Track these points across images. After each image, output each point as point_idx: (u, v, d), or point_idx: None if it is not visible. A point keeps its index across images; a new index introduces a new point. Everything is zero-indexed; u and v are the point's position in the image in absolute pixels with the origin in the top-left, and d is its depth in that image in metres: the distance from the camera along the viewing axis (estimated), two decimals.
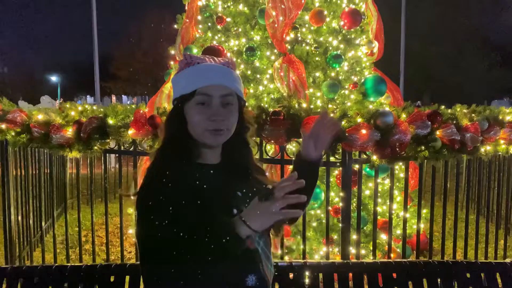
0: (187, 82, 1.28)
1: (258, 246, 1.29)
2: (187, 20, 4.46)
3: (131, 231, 4.42)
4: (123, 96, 37.61)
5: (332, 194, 3.63)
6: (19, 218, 3.75)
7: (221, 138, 1.29)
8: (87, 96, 39.73)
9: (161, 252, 1.12)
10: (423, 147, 2.64)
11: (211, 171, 1.31)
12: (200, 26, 4.39)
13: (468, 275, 2.07)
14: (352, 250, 2.95)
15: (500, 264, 2.05)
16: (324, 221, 3.13)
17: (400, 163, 3.18)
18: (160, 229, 1.13)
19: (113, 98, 35.56)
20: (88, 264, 1.89)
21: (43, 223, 4.25)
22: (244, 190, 1.32)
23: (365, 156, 2.71)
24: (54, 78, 37.82)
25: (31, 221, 3.98)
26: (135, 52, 30.19)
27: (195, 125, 1.26)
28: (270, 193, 1.06)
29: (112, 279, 1.91)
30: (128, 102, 35.52)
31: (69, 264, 1.88)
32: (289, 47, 3.95)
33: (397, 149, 2.50)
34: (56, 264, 1.88)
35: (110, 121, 2.94)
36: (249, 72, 4.03)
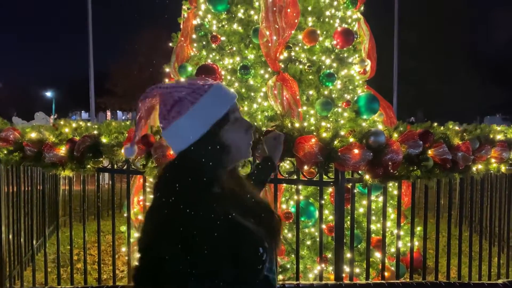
0: (218, 105, 1.21)
1: (269, 274, 1.24)
2: (182, 39, 4.51)
3: (124, 249, 4.38)
4: (118, 111, 37.59)
5: (326, 212, 3.63)
6: (10, 236, 3.71)
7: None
8: (82, 111, 39.71)
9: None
10: (415, 167, 2.66)
11: (235, 197, 1.25)
12: (195, 44, 4.44)
13: None
14: (346, 268, 2.93)
15: (493, 285, 2.05)
16: (318, 239, 3.12)
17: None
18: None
19: (108, 114, 35.53)
20: (79, 286, 1.87)
21: (34, 242, 4.21)
22: (256, 216, 1.26)
23: (357, 175, 2.72)
24: (49, 94, 37.85)
25: (22, 240, 3.93)
26: (131, 68, 30.32)
27: (242, 143, 1.23)
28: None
29: None
30: (123, 118, 35.50)
31: (59, 287, 1.85)
32: (282, 65, 4.00)
33: (390, 169, 2.51)
34: (47, 287, 1.86)
35: (104, 139, 2.94)
36: (243, 90, 4.06)
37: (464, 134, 3.10)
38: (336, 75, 4.03)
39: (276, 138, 1.88)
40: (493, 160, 3.18)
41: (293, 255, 3.48)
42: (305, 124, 3.02)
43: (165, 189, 1.18)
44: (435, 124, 3.42)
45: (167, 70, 4.64)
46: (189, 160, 1.20)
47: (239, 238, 1.13)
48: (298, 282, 2.22)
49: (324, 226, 3.22)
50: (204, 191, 1.15)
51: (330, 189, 3.50)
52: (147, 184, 3.09)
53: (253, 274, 1.16)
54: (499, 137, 3.25)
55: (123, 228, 4.21)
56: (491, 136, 3.18)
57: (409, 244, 3.26)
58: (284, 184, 3.42)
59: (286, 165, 3.46)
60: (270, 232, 1.26)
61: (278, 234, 1.32)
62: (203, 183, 1.16)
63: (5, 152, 3.30)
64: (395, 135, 2.74)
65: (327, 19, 4.22)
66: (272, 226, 1.29)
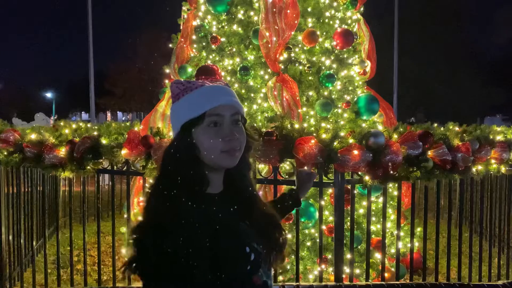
0: (195, 106, 1.23)
1: (268, 279, 1.26)
2: (182, 40, 4.51)
3: (124, 250, 4.37)
4: (118, 112, 37.59)
5: (326, 213, 3.63)
6: (10, 237, 3.71)
7: (235, 158, 1.24)
8: (82, 112, 39.74)
9: None
10: (415, 168, 2.66)
11: (218, 202, 1.26)
12: (195, 45, 4.44)
13: None
14: (346, 269, 2.94)
15: (493, 286, 2.05)
16: (318, 240, 3.12)
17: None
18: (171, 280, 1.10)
19: (108, 114, 35.54)
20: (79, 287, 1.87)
21: (34, 243, 4.21)
22: (249, 222, 1.27)
23: (357, 176, 2.72)
24: (49, 95, 37.84)
25: (22, 241, 3.93)
26: (131, 69, 30.34)
27: (210, 148, 1.21)
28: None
29: None
30: (123, 119, 35.51)
31: None
32: (282, 66, 4.00)
33: (389, 170, 2.51)
34: None
35: (103, 141, 2.94)
36: (243, 91, 4.06)
37: (464, 135, 3.10)
38: (336, 76, 4.03)
39: (309, 175, 1.90)
40: (493, 161, 3.18)
41: (293, 256, 3.48)
42: (305, 125, 3.02)
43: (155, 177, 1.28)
44: (435, 125, 3.43)
45: (167, 71, 4.65)
46: (170, 153, 1.26)
47: (224, 235, 1.15)
48: (298, 283, 2.23)
49: (324, 227, 3.23)
50: (175, 194, 1.18)
51: (330, 190, 3.50)
52: (146, 185, 3.09)
53: (241, 274, 1.18)
54: (499, 138, 3.25)
55: (123, 229, 4.21)
56: (491, 137, 3.18)
57: (409, 245, 3.26)
58: (284, 185, 3.41)
59: (286, 166, 3.46)
60: (270, 242, 1.29)
61: (279, 246, 1.33)
62: (174, 183, 1.20)
63: (5, 153, 3.31)
64: (395, 136, 2.74)
65: (327, 20, 4.22)
66: (275, 238, 1.32)
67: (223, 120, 1.23)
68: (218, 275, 1.12)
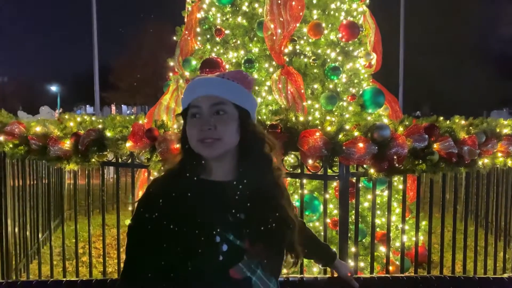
0: (183, 99, 1.35)
1: (252, 275, 1.23)
2: (186, 32, 4.49)
3: None
4: (122, 106, 37.69)
5: (330, 206, 3.62)
6: (16, 230, 3.74)
7: (213, 148, 1.24)
8: (87, 106, 39.87)
9: (136, 274, 1.25)
10: (420, 161, 2.64)
11: (214, 188, 1.27)
12: (199, 38, 4.42)
13: None
14: (351, 263, 2.93)
15: (498, 279, 2.04)
16: (323, 233, 3.12)
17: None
18: (139, 249, 1.28)
19: (113, 108, 35.63)
20: (84, 279, 1.88)
21: (40, 235, 4.24)
22: (250, 214, 1.25)
23: (362, 169, 2.70)
24: (54, 88, 37.95)
25: (28, 233, 3.96)
26: (136, 62, 30.32)
27: (190, 138, 1.28)
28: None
29: None
30: (128, 112, 35.58)
31: (64, 279, 1.86)
32: (287, 59, 3.97)
33: (395, 163, 2.49)
34: (52, 279, 1.87)
35: (108, 133, 2.94)
36: None
37: (470, 128, 3.07)
38: (341, 69, 4.00)
39: (349, 272, 1.89)
40: (499, 154, 3.15)
41: None
42: (310, 118, 3.00)
43: None
44: (441, 118, 3.40)
45: (172, 64, 4.64)
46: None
47: (190, 221, 1.21)
48: (302, 275, 2.22)
49: (328, 220, 3.22)
50: (164, 175, 1.35)
51: (335, 183, 3.49)
52: (151, 178, 3.10)
53: (210, 263, 1.19)
54: (506, 131, 3.22)
55: (128, 222, 4.23)
56: (498, 130, 3.15)
57: (414, 239, 3.25)
58: (289, 178, 3.41)
59: (290, 159, 3.45)
60: (266, 240, 1.26)
61: (278, 246, 1.33)
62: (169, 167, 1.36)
63: (11, 146, 3.32)
64: (401, 128, 2.72)
65: (332, 12, 4.18)
66: (274, 238, 1.29)
67: (201, 111, 1.28)
68: (185, 260, 1.18)
